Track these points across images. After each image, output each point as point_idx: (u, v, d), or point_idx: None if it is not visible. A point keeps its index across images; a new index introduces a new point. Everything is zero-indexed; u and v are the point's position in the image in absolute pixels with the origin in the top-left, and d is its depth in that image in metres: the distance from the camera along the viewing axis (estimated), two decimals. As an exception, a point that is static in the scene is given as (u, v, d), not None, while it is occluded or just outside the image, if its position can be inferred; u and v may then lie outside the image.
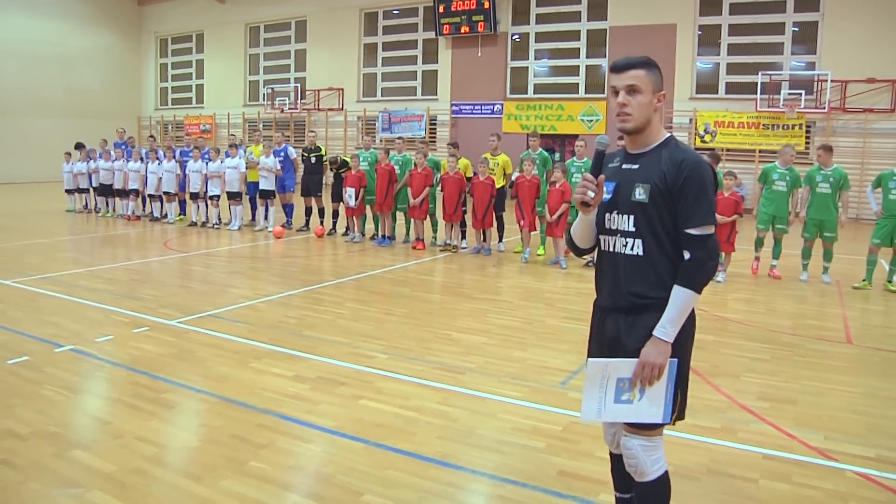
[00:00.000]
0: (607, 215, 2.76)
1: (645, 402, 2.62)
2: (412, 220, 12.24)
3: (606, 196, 2.75)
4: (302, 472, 3.86)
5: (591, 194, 2.67)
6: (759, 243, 10.13)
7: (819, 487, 3.72)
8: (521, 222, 10.96)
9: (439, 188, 11.77)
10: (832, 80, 18.92)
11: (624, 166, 2.75)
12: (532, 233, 11.07)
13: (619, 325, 2.72)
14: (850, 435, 4.44)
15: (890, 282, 9.33)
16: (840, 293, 9.08)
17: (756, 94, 19.82)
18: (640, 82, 2.63)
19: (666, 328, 2.58)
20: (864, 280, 9.38)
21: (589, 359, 2.75)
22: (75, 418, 4.64)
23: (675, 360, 2.63)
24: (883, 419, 4.75)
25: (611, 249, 2.76)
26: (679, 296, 2.58)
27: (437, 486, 3.68)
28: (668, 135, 2.72)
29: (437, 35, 25.20)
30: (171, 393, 5.00)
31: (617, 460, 2.98)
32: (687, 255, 2.60)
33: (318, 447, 4.15)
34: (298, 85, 28.58)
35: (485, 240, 11.61)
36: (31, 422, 4.41)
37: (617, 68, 2.67)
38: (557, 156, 22.39)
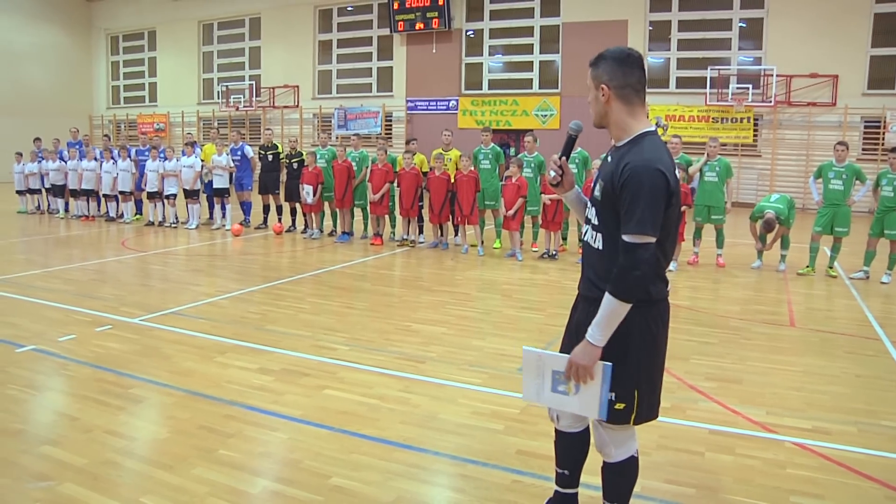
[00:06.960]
0: (588, 205, 2.80)
1: (580, 396, 2.64)
2: (370, 215, 12.36)
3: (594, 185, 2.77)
4: (270, 459, 3.98)
5: (553, 174, 2.77)
6: (697, 234, 10.49)
7: (759, 457, 3.97)
8: (458, 217, 11.20)
9: (396, 184, 11.91)
10: (777, 75, 19.56)
11: (608, 158, 2.75)
12: (474, 226, 11.27)
13: (584, 312, 2.73)
14: (789, 409, 4.72)
15: (831, 268, 9.76)
16: (785, 279, 9.46)
17: (706, 88, 20.36)
18: (589, 80, 2.73)
19: (593, 331, 2.54)
20: (807, 266, 9.79)
21: (524, 347, 2.80)
22: (42, 415, 4.67)
23: (609, 364, 2.57)
24: (819, 394, 5.05)
25: (585, 238, 2.80)
26: (605, 301, 2.51)
27: (401, 467, 3.83)
28: (641, 131, 2.65)
29: (391, 32, 25.29)
30: (138, 388, 5.07)
31: (561, 436, 3.04)
32: (619, 260, 2.51)
33: (285, 434, 4.27)
34: (253, 82, 28.45)
35: (442, 234, 11.77)
36: (-2, 419, 4.45)
37: None
38: (512, 151, 22.66)
